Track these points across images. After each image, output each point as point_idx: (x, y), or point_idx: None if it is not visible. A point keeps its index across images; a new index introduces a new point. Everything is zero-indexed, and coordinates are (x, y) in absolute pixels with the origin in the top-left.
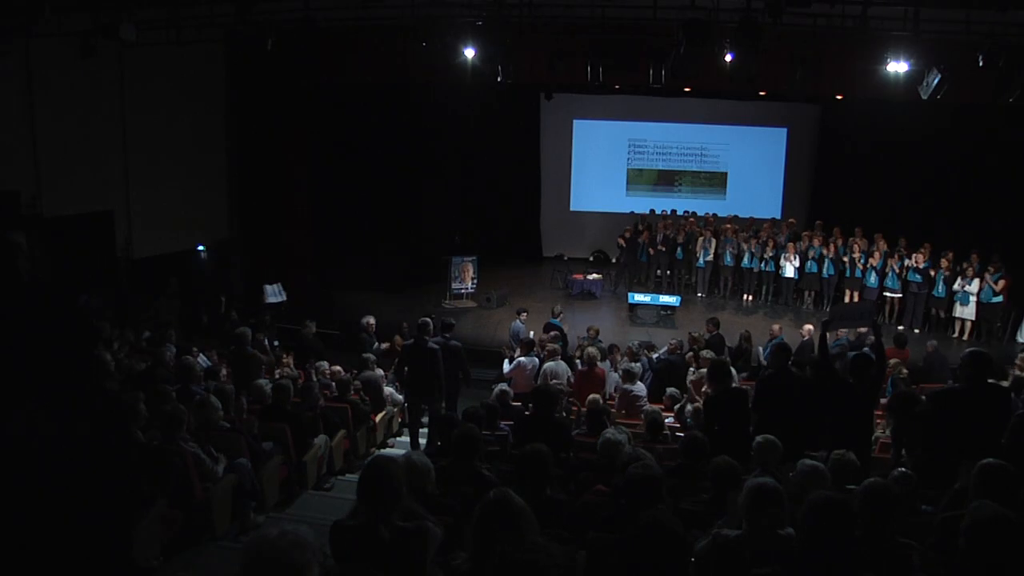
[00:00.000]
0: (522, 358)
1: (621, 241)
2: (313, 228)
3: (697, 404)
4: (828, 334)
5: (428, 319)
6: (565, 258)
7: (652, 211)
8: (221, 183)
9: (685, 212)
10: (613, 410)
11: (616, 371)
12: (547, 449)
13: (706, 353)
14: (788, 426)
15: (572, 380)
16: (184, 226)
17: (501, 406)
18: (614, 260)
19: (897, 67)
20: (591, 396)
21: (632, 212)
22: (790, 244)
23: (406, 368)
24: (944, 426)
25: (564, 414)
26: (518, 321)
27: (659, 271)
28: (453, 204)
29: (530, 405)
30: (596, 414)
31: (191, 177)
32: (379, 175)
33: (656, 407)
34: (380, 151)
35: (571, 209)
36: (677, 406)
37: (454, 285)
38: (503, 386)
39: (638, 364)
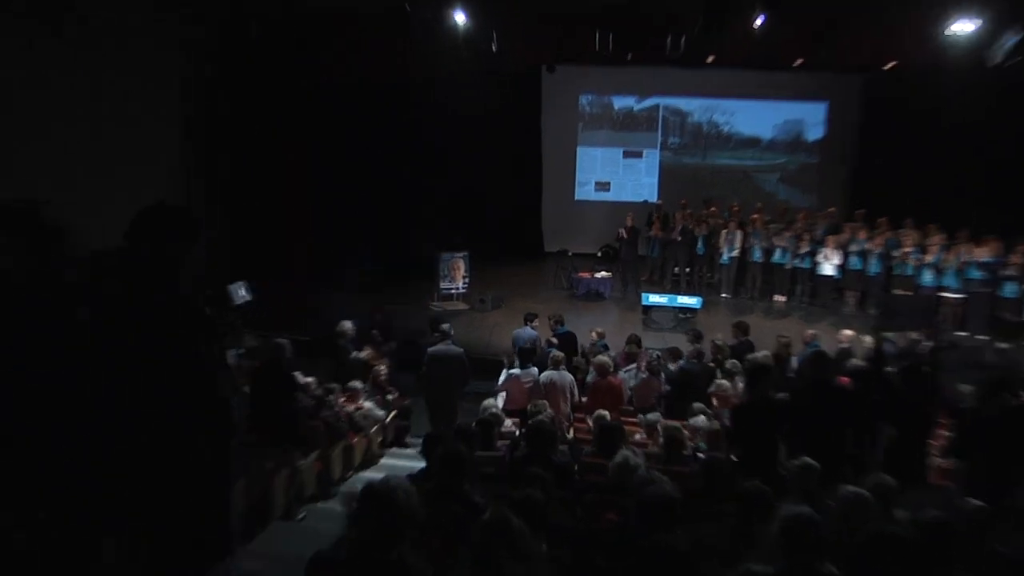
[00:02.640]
0: (516, 369)
1: (622, 232)
2: (285, 222)
3: (714, 424)
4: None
5: (447, 325)
6: (570, 254)
7: (661, 203)
8: (177, 171)
9: (707, 200)
10: (632, 429)
11: (639, 374)
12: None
13: (731, 364)
14: (828, 447)
15: (575, 392)
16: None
17: (484, 432)
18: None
19: (963, 27)
20: (598, 412)
21: (646, 201)
22: (829, 237)
23: (430, 377)
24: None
25: (565, 445)
26: (528, 328)
27: (677, 268)
28: (441, 194)
29: (522, 433)
30: (607, 432)
31: (141, 164)
32: (357, 162)
33: (674, 423)
34: (360, 137)
35: (576, 198)
36: (695, 420)
37: (443, 284)
38: (492, 405)
39: (649, 376)
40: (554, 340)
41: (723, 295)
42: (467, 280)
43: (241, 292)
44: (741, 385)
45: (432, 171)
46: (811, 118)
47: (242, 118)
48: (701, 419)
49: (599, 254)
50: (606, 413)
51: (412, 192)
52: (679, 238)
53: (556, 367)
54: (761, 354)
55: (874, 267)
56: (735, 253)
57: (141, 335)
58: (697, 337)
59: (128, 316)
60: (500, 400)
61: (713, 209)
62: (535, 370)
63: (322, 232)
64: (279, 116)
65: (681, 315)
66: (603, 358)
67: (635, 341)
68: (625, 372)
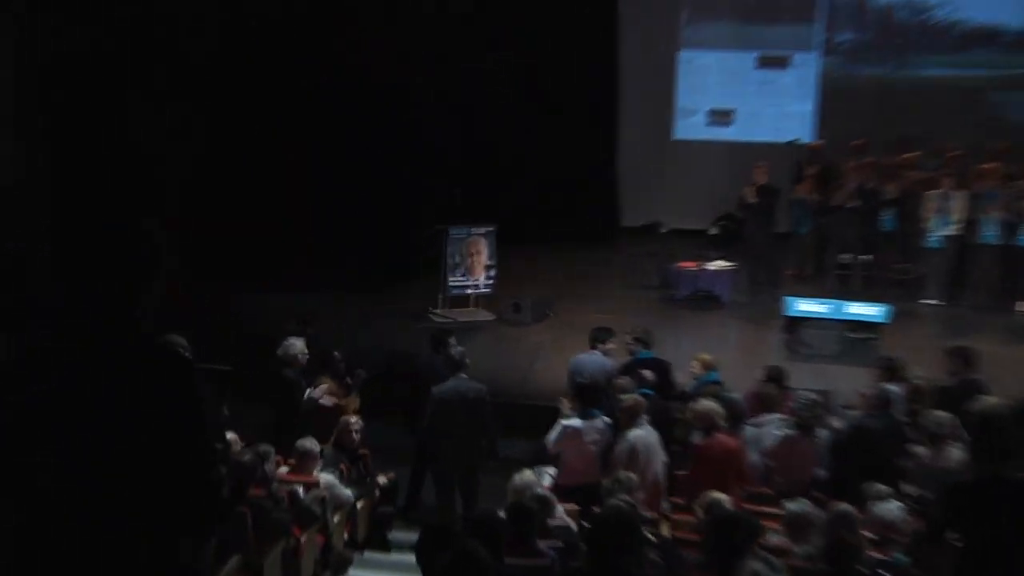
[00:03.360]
0: (576, 420)
1: (751, 194)
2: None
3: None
4: None
5: (459, 349)
6: (663, 230)
7: (819, 143)
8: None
9: (902, 140)
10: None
11: (780, 433)
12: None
13: (939, 418)
14: None
15: (668, 461)
16: None
17: (520, 525)
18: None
19: None
20: (709, 495)
21: (794, 142)
22: None
23: (435, 432)
24: None
25: (655, 550)
26: (598, 354)
27: (845, 255)
28: (452, 136)
29: (583, 528)
30: (725, 529)
31: None
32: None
33: (842, 513)
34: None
35: (674, 138)
36: (879, 509)
37: (453, 278)
38: (533, 483)
39: (799, 433)
40: (646, 376)
41: (929, 300)
42: (493, 273)
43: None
44: (955, 455)
45: (441, 107)
46: None
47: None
48: (890, 508)
49: (713, 231)
50: (723, 497)
51: (412, 135)
52: (850, 204)
53: (632, 418)
54: (996, 401)
55: None
56: (951, 230)
57: (110, 406)
58: (889, 371)
59: (86, 388)
60: (547, 473)
61: (913, 156)
62: (605, 421)
63: (266, 206)
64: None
65: (852, 334)
66: (712, 404)
67: (773, 377)
68: (755, 428)
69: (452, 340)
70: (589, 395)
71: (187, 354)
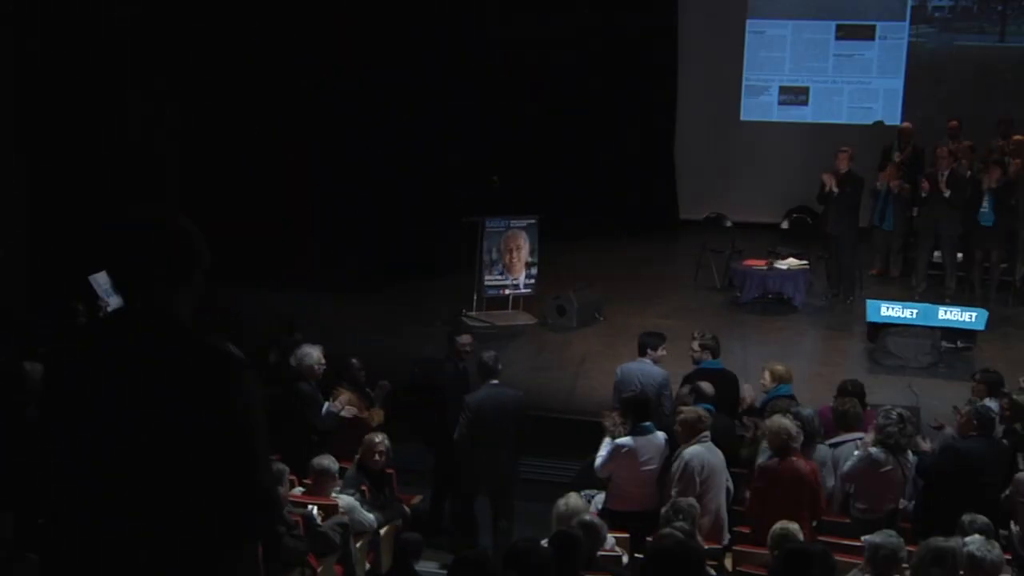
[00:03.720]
0: (627, 438)
1: (830, 183)
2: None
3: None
4: None
5: (491, 354)
6: (728, 223)
7: (908, 125)
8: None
9: (1004, 121)
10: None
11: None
12: None
13: None
14: None
15: (731, 486)
16: None
17: (564, 556)
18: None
19: None
20: (779, 526)
21: (878, 123)
22: None
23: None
24: None
25: None
26: (647, 362)
27: (938, 252)
28: (489, 117)
29: (636, 560)
30: (796, 564)
31: None
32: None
33: (934, 548)
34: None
35: (742, 119)
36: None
37: (489, 277)
38: (581, 508)
39: (885, 455)
40: (703, 390)
41: None
42: (535, 271)
43: (102, 288)
44: None
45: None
46: None
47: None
48: (988, 546)
49: (785, 225)
50: (794, 527)
51: (434, 118)
52: (945, 192)
53: (692, 434)
54: None
55: None
56: None
57: (160, 419)
58: (988, 386)
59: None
60: (597, 498)
61: (1016, 139)
62: (661, 437)
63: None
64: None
65: (947, 344)
66: (784, 421)
67: (852, 391)
68: (833, 449)
69: (466, 340)
70: (637, 408)
71: (238, 352)
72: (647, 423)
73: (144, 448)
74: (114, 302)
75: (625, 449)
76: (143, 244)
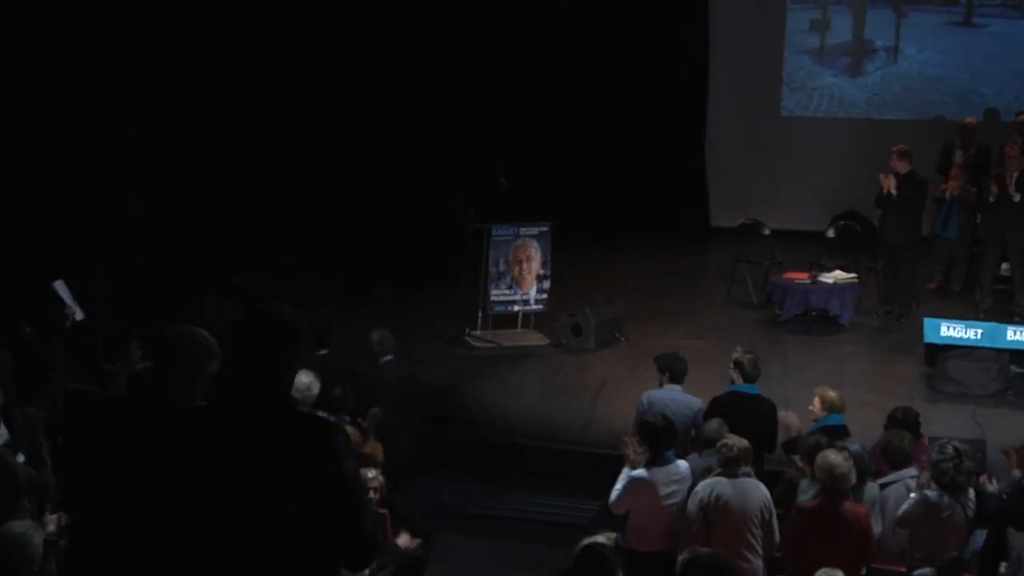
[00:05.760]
0: (640, 470)
1: (888, 186)
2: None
3: None
4: None
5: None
6: (766, 231)
7: (972, 120)
8: None
9: None
10: None
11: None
12: None
13: None
14: None
15: (774, 526)
16: None
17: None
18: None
19: None
20: (823, 573)
21: (939, 117)
22: None
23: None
24: None
25: None
26: (675, 387)
27: (1005, 265)
28: (494, 111)
29: None
30: None
31: None
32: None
33: None
34: None
35: (783, 114)
36: None
37: (496, 292)
38: (606, 540)
39: (942, 497)
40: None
41: None
42: (547, 285)
43: (67, 296)
44: None
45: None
46: None
47: None
48: None
49: (831, 233)
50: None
51: (431, 111)
52: (1015, 196)
53: (730, 466)
54: None
55: None
56: None
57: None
58: None
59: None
60: (610, 538)
61: None
62: (683, 467)
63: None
64: None
65: (1016, 368)
66: (838, 458)
67: (905, 420)
68: (882, 488)
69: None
70: (656, 436)
71: (330, 418)
72: (668, 452)
73: (266, 503)
74: (79, 313)
75: (643, 483)
76: (274, 338)
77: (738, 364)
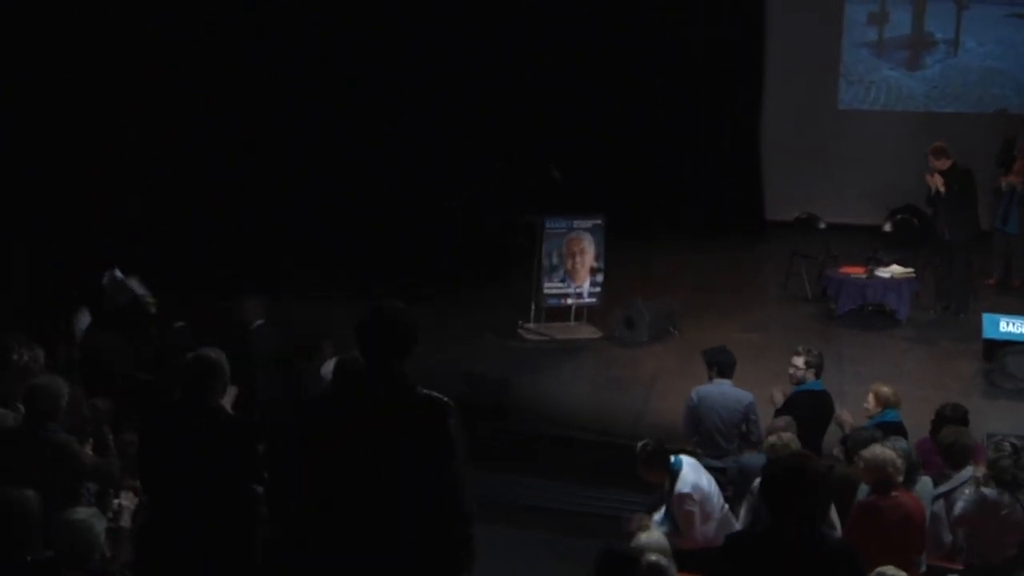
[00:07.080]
0: (687, 471)
1: (934, 183)
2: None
3: None
4: None
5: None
6: (821, 225)
7: None
8: None
9: None
10: None
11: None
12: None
13: None
14: None
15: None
16: None
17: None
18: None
19: None
20: (879, 572)
21: (1004, 110)
22: None
23: None
24: None
25: None
26: (725, 382)
27: None
28: (549, 104)
29: None
30: None
31: None
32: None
33: None
34: None
35: (840, 107)
36: None
37: (549, 285)
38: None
39: (1000, 495)
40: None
41: None
42: (601, 278)
43: (85, 320)
44: None
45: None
46: None
47: None
48: None
49: (888, 227)
50: (900, 574)
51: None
52: None
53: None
54: None
55: None
56: None
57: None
58: None
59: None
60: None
61: None
62: (690, 477)
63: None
64: None
65: None
66: (888, 452)
67: (954, 417)
68: (936, 484)
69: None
70: (704, 436)
71: (444, 399)
72: (673, 457)
73: (387, 477)
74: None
75: (687, 480)
76: (392, 333)
77: (811, 365)
